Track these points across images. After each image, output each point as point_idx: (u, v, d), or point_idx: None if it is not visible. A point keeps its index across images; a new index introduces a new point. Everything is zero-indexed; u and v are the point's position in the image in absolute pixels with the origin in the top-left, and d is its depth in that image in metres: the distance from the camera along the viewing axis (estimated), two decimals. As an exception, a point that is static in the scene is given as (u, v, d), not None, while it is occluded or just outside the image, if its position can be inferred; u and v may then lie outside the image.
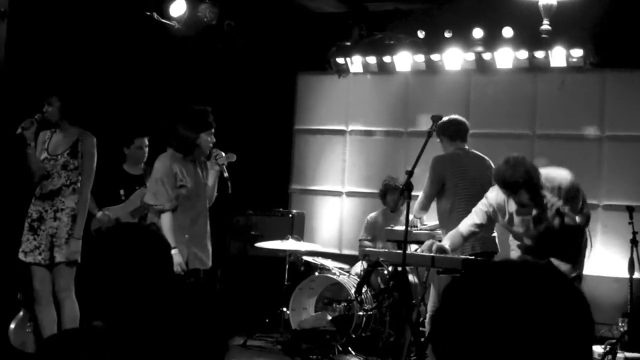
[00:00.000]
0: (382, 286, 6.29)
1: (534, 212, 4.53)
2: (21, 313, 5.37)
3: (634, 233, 5.85)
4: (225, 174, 4.93)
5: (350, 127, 8.30)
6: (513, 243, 4.82)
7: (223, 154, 4.96)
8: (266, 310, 6.95)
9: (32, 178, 5.05)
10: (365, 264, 5.36)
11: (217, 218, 7.60)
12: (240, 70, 8.02)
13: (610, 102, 7.23)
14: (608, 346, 5.45)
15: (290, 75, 8.47)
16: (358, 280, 6.16)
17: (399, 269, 4.84)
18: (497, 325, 1.12)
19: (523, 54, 7.20)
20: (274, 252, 6.92)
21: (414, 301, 5.51)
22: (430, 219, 5.96)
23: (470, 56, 7.39)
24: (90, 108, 5.30)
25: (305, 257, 7.04)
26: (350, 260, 7.21)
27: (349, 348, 6.23)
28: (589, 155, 7.25)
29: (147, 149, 6.24)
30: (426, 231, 5.81)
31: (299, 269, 7.04)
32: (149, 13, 6.79)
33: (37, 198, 5.05)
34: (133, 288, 1.93)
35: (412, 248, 5.53)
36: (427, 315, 5.55)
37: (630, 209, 5.93)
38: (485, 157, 5.68)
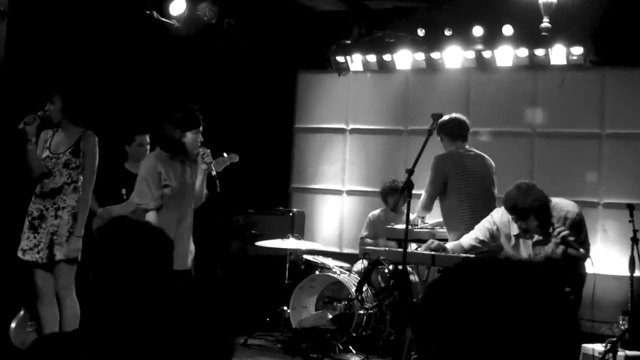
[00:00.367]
0: (382, 285, 6.29)
1: (536, 237, 4.56)
2: (22, 312, 5.37)
3: (634, 231, 5.84)
4: (213, 173, 4.88)
5: (351, 126, 8.30)
6: None
7: (209, 152, 4.91)
8: (266, 309, 6.95)
9: (30, 174, 5.04)
10: (365, 263, 5.36)
11: (217, 217, 7.65)
12: (240, 69, 8.02)
13: (610, 100, 7.22)
14: (609, 344, 5.44)
15: (291, 74, 8.47)
16: (358, 278, 6.16)
17: (400, 267, 4.85)
18: (479, 320, 1.12)
19: (523, 52, 7.20)
20: (274, 250, 6.92)
21: (414, 300, 5.51)
22: (431, 218, 5.96)
23: (471, 54, 7.39)
24: (92, 107, 5.29)
25: (305, 256, 7.04)
26: (351, 258, 7.21)
27: (350, 347, 6.23)
28: (589, 153, 7.25)
29: (148, 147, 6.23)
30: (427, 230, 5.81)
31: (300, 268, 7.04)
32: (148, 12, 6.79)
33: (38, 196, 5.04)
34: (133, 285, 1.92)
35: (413, 247, 5.54)
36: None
37: (630, 207, 5.91)
38: (487, 156, 5.69)
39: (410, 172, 4.68)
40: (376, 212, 7.28)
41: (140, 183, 4.83)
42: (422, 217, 5.92)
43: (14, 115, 5.17)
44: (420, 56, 7.64)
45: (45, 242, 4.95)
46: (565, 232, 4.37)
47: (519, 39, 7.11)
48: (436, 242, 4.92)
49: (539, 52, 7.15)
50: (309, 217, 8.17)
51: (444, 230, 5.59)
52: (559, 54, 7.11)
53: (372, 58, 7.85)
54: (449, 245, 4.98)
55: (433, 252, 4.81)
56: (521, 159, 7.40)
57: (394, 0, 7.55)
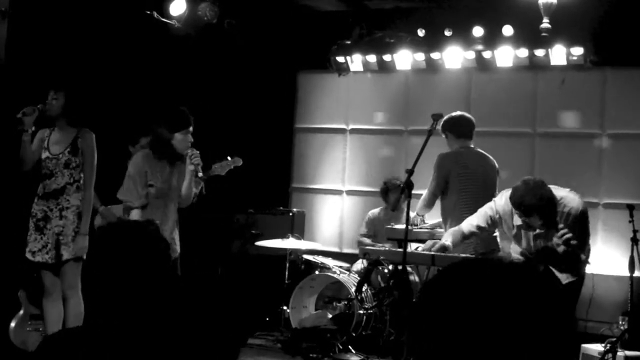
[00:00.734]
0: (382, 285, 6.29)
1: (538, 230, 4.54)
2: (21, 312, 5.38)
3: (634, 231, 5.84)
4: (200, 174, 4.89)
5: (351, 126, 8.30)
6: (507, 246, 4.82)
7: (197, 153, 4.89)
8: (266, 308, 6.95)
9: (21, 166, 5.02)
10: (365, 263, 5.36)
11: (217, 217, 7.65)
12: (240, 69, 8.02)
13: (611, 100, 7.23)
14: (608, 344, 5.44)
15: (291, 74, 8.47)
16: (358, 278, 6.17)
17: (400, 267, 4.85)
18: (473, 320, 1.12)
19: (523, 52, 7.20)
20: (274, 250, 6.92)
21: (414, 300, 5.51)
22: (431, 218, 5.96)
23: (471, 54, 7.40)
24: (92, 111, 5.29)
25: (305, 256, 7.04)
26: (351, 258, 7.21)
27: (350, 346, 6.23)
28: (589, 153, 7.25)
29: None
30: (427, 230, 5.82)
31: (300, 268, 7.05)
32: (149, 12, 6.79)
33: (41, 197, 5.03)
34: (133, 286, 1.92)
35: (413, 247, 5.54)
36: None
37: (630, 207, 5.91)
38: (489, 156, 5.69)
39: (410, 172, 4.69)
40: (375, 210, 7.29)
41: (127, 180, 4.92)
42: (422, 215, 5.92)
43: (14, 114, 5.17)
44: (421, 56, 7.64)
45: (52, 242, 4.95)
46: (569, 235, 4.35)
47: (519, 40, 7.12)
48: (438, 242, 4.91)
49: (539, 52, 7.15)
50: (309, 217, 8.18)
51: (444, 230, 5.59)
52: (559, 54, 7.12)
53: (372, 58, 7.86)
54: (448, 232, 4.97)
55: (434, 253, 4.81)
56: (521, 159, 7.40)
57: (394, 1, 7.56)
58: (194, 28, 7.12)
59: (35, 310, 5.37)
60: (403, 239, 4.76)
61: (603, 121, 7.25)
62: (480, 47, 7.30)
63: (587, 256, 4.63)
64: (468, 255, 4.94)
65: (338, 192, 8.33)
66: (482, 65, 7.44)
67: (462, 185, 5.44)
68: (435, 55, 7.56)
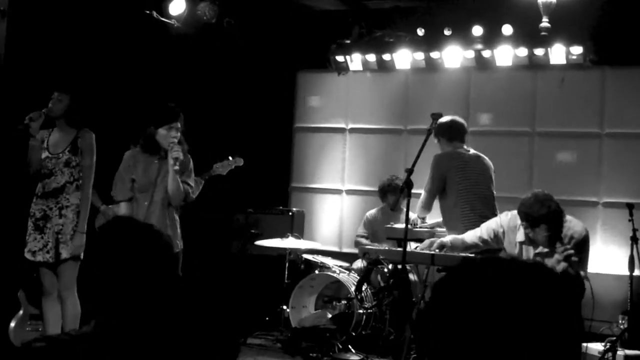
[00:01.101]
0: (382, 284, 6.30)
1: (540, 248, 4.55)
2: (21, 312, 5.38)
3: (634, 230, 5.84)
4: (176, 168, 4.84)
5: (350, 125, 8.30)
6: None
7: (178, 148, 4.85)
8: (266, 308, 6.95)
9: (28, 170, 5.04)
10: (365, 262, 5.36)
11: (216, 216, 7.65)
12: (240, 68, 8.02)
13: (610, 100, 7.22)
14: (608, 344, 5.44)
15: (290, 73, 8.47)
16: (358, 278, 6.16)
17: (399, 267, 4.85)
18: (485, 321, 1.12)
19: (523, 52, 7.20)
20: (274, 250, 6.92)
21: (413, 299, 5.51)
22: (431, 217, 5.96)
23: (470, 54, 7.39)
24: (93, 113, 5.29)
25: (305, 255, 7.04)
26: (350, 258, 7.21)
27: (349, 346, 6.23)
28: (588, 153, 7.25)
29: None
30: (426, 229, 5.81)
31: (299, 267, 7.04)
32: (148, 11, 6.79)
33: (39, 197, 5.04)
34: (131, 286, 1.91)
35: (412, 246, 5.54)
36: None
37: (630, 206, 5.92)
38: (485, 156, 5.69)
39: (410, 171, 4.68)
40: (373, 211, 7.28)
41: (116, 175, 5.02)
42: (423, 218, 5.92)
43: (14, 113, 5.17)
44: (420, 56, 7.64)
45: (52, 241, 4.96)
46: (571, 252, 4.37)
47: (518, 39, 7.12)
48: (436, 241, 4.91)
49: (539, 51, 7.15)
50: (308, 217, 8.18)
51: (444, 230, 5.59)
52: (558, 54, 7.12)
53: (371, 57, 7.86)
54: (449, 238, 4.97)
55: (433, 252, 4.81)
56: (521, 159, 7.41)
57: (394, 0, 7.55)
58: (193, 27, 7.11)
59: (34, 310, 5.37)
60: (402, 239, 4.76)
61: (602, 120, 7.24)
62: (479, 46, 7.30)
63: (585, 276, 4.62)
64: (468, 254, 4.93)
65: (337, 192, 8.33)
66: (482, 64, 7.44)
67: (461, 185, 5.44)
68: (434, 55, 7.55)
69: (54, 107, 5.02)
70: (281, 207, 7.96)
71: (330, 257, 7.04)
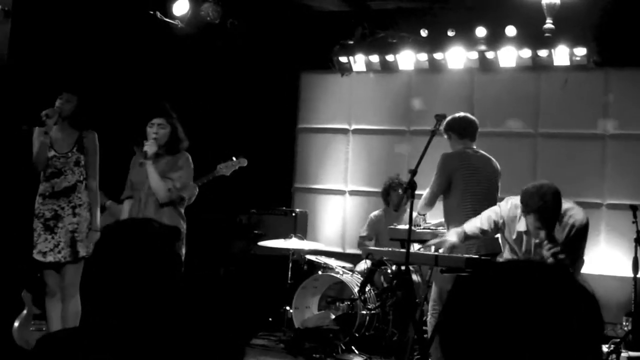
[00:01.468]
0: (385, 285, 6.29)
1: (538, 239, 4.55)
2: (24, 311, 5.38)
3: (638, 232, 5.84)
4: (145, 161, 4.85)
5: (353, 126, 8.30)
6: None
7: (150, 143, 4.84)
8: (269, 309, 6.95)
9: (35, 167, 5.03)
10: (368, 263, 5.35)
11: (220, 217, 7.65)
12: (243, 69, 8.03)
13: (614, 101, 7.22)
14: (612, 345, 5.44)
15: (293, 74, 8.47)
16: (361, 279, 6.16)
17: (403, 267, 4.84)
18: (506, 325, 1.11)
19: (526, 53, 7.20)
20: (277, 250, 6.92)
21: (417, 300, 5.50)
22: (434, 218, 5.95)
23: (474, 55, 7.40)
24: (98, 114, 5.30)
25: (308, 256, 7.04)
26: (354, 258, 7.21)
27: (352, 347, 6.23)
28: (592, 154, 7.24)
29: None
30: (430, 230, 5.81)
31: (302, 268, 7.04)
32: (152, 12, 6.80)
33: (48, 197, 5.01)
34: (136, 285, 1.91)
35: (415, 247, 5.53)
36: (428, 314, 5.54)
37: (633, 208, 5.92)
38: (493, 159, 5.68)
39: (414, 172, 4.67)
40: (377, 212, 7.27)
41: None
42: (423, 215, 5.91)
43: (17, 113, 5.18)
44: (423, 57, 7.64)
45: (66, 240, 4.95)
46: (556, 249, 4.36)
47: (522, 40, 7.12)
48: (446, 243, 4.90)
49: (542, 52, 7.15)
50: (311, 217, 8.18)
51: (446, 230, 5.58)
52: (562, 55, 7.12)
53: (375, 58, 7.86)
54: (454, 235, 4.96)
55: (436, 253, 4.80)
56: (524, 160, 7.40)
57: (397, 1, 7.55)
58: (197, 28, 7.12)
59: (37, 310, 5.38)
60: (406, 239, 4.76)
61: (606, 122, 7.24)
62: (483, 47, 7.31)
63: (579, 268, 4.61)
64: (471, 256, 4.93)
65: (341, 192, 8.33)
66: (485, 65, 7.45)
67: (466, 186, 5.43)
68: (438, 56, 7.56)
69: (63, 107, 5.02)
70: (284, 208, 7.97)
71: (333, 258, 7.04)
